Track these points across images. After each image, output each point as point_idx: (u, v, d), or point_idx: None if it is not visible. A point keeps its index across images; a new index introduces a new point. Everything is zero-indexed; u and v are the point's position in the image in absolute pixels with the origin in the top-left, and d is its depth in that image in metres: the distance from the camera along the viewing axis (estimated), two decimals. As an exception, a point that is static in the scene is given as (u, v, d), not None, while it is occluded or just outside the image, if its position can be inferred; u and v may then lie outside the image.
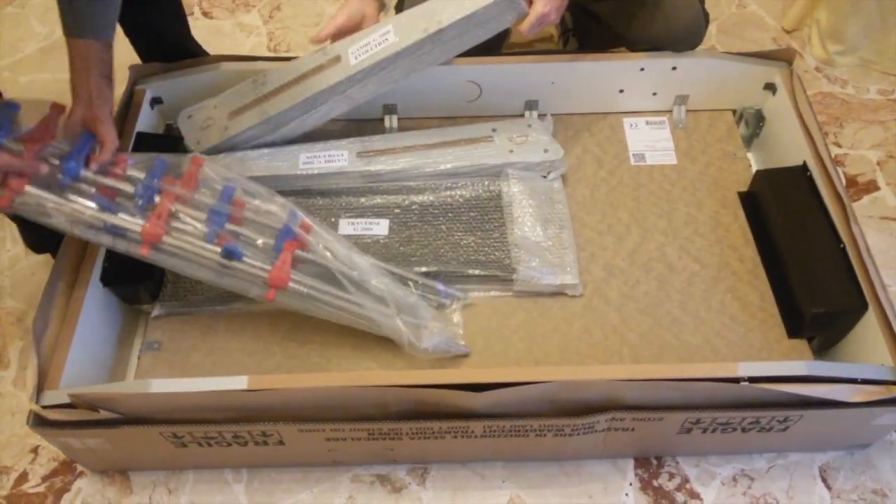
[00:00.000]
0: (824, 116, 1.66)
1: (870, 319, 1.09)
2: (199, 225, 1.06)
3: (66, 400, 0.98)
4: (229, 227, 1.07)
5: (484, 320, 1.21)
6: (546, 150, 1.35)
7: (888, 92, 1.72)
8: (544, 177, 1.35)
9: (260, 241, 1.08)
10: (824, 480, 1.15)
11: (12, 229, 1.31)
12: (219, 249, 1.04)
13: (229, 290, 1.10)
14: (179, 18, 1.49)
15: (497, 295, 1.24)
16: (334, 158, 1.33)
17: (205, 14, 1.92)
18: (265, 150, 1.33)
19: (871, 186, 1.53)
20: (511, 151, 1.34)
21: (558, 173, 1.36)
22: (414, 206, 1.31)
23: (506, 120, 1.42)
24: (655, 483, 1.15)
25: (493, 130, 1.38)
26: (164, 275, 1.23)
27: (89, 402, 0.98)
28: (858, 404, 0.99)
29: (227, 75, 1.38)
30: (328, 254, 1.10)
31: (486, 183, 1.34)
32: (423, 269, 1.22)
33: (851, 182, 1.54)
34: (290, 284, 1.06)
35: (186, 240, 1.04)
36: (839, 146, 1.61)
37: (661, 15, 1.34)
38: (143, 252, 1.04)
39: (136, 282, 1.19)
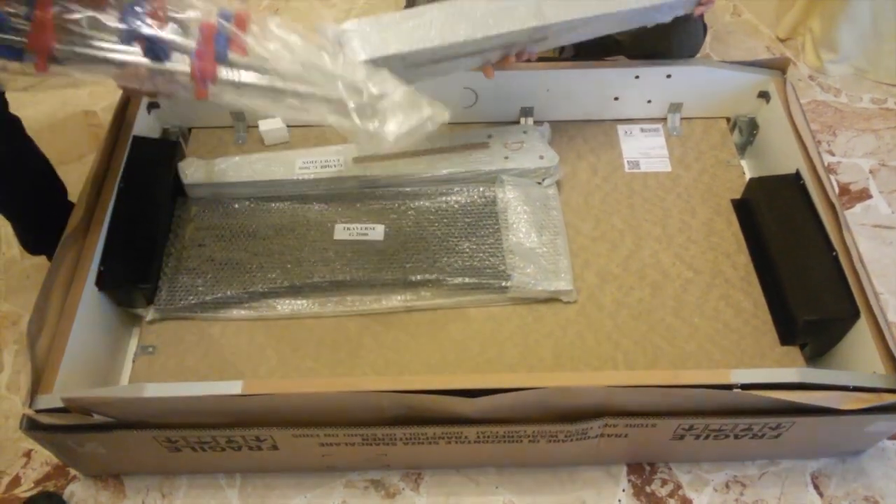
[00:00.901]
0: (817, 125, 1.67)
1: (862, 327, 1.10)
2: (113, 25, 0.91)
3: (60, 404, 0.98)
4: (148, 28, 0.92)
5: (479, 326, 1.22)
6: (541, 157, 1.35)
7: (881, 101, 1.73)
8: (539, 183, 1.36)
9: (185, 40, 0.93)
10: (816, 487, 1.16)
11: (7, 231, 1.31)
12: (139, 50, 0.92)
13: (225, 292, 1.10)
14: None
15: (491, 300, 1.24)
16: (330, 163, 1.34)
17: None
18: (261, 155, 1.33)
19: (864, 194, 1.54)
20: (506, 158, 1.35)
21: (553, 180, 1.36)
22: (409, 212, 1.32)
23: (502, 126, 1.43)
24: (648, 489, 1.15)
25: (489, 137, 1.39)
26: (160, 278, 1.23)
27: (83, 407, 0.98)
28: (850, 412, 1.00)
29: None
30: (271, 51, 0.94)
31: (482, 189, 1.35)
32: (418, 276, 1.23)
33: (844, 190, 1.55)
34: (222, 74, 0.93)
35: (94, 44, 0.90)
36: (832, 154, 1.62)
37: (661, 25, 1.35)
38: (38, 68, 0.89)
39: (132, 285, 1.19)
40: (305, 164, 1.33)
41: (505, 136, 1.39)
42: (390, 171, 1.33)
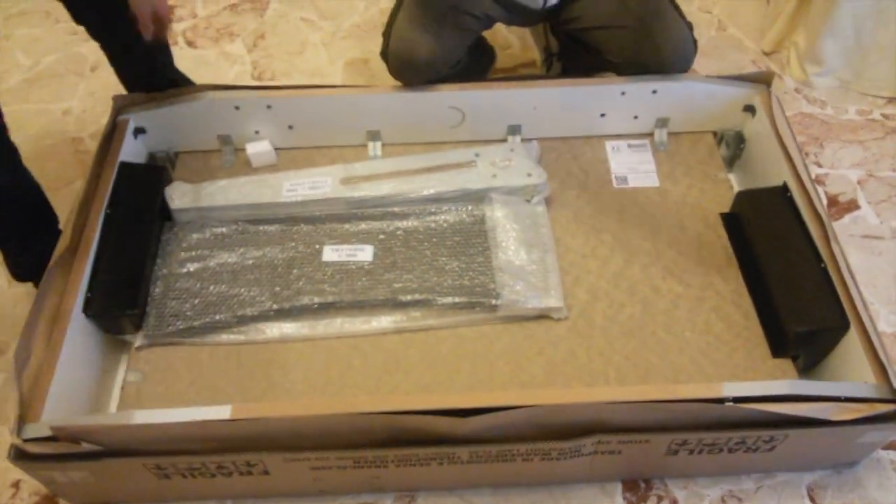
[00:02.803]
0: (804, 137, 1.68)
1: (852, 338, 1.10)
2: None
3: (49, 433, 0.97)
4: None
5: (469, 345, 1.21)
6: (529, 175, 1.35)
7: (867, 112, 1.74)
8: (528, 201, 1.36)
9: None
10: (812, 499, 1.15)
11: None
12: None
13: (214, 317, 1.10)
14: (164, 49, 1.50)
15: (482, 319, 1.23)
16: (318, 185, 1.34)
17: (189, 43, 1.93)
18: (248, 178, 1.33)
19: (852, 205, 1.55)
20: (494, 176, 1.35)
21: (541, 197, 1.36)
22: (398, 232, 1.32)
23: (489, 146, 1.43)
24: (644, 506, 1.15)
25: (476, 155, 1.39)
26: (148, 304, 1.23)
27: (72, 435, 0.97)
28: (843, 422, 0.99)
29: (210, 105, 1.39)
30: None
31: (470, 208, 1.35)
32: (407, 297, 1.22)
33: (832, 201, 1.55)
34: None
35: None
36: (819, 166, 1.63)
37: (652, 42, 1.37)
38: None
39: (119, 312, 1.18)
40: (293, 187, 1.33)
41: (493, 155, 1.39)
42: (378, 192, 1.33)
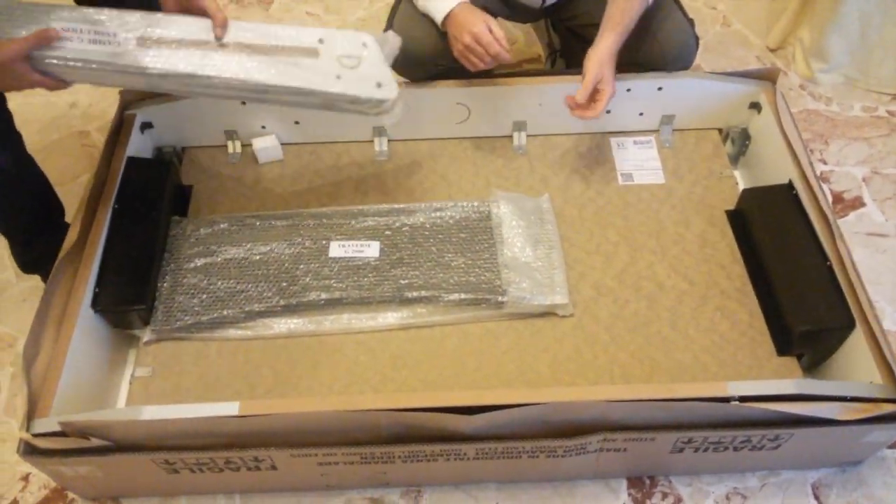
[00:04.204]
0: (809, 134, 1.68)
1: (857, 336, 1.10)
2: None
3: (57, 428, 0.98)
4: None
5: (475, 341, 1.22)
6: (379, 85, 1.12)
7: (872, 109, 1.74)
8: (368, 114, 1.15)
9: None
10: (817, 498, 1.16)
11: (1, 254, 1.31)
12: None
13: (221, 312, 1.10)
14: None
15: (487, 316, 1.24)
16: (103, 38, 1.04)
17: (195, 37, 1.92)
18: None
19: (857, 203, 1.55)
20: (338, 77, 1.10)
21: (391, 119, 1.16)
22: (404, 228, 1.32)
23: (337, 32, 1.14)
24: (648, 503, 1.15)
25: (321, 42, 1.11)
26: (156, 299, 1.23)
27: (80, 430, 0.97)
28: (848, 422, 1.00)
29: (215, 101, 1.39)
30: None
31: (476, 204, 1.35)
32: (413, 293, 1.23)
33: (837, 198, 1.56)
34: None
35: None
36: (825, 163, 1.63)
37: (653, 38, 1.36)
38: None
39: (127, 307, 1.19)
40: (66, 34, 1.03)
41: (340, 47, 1.11)
42: (176, 66, 1.05)
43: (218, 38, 1.07)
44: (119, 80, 1.10)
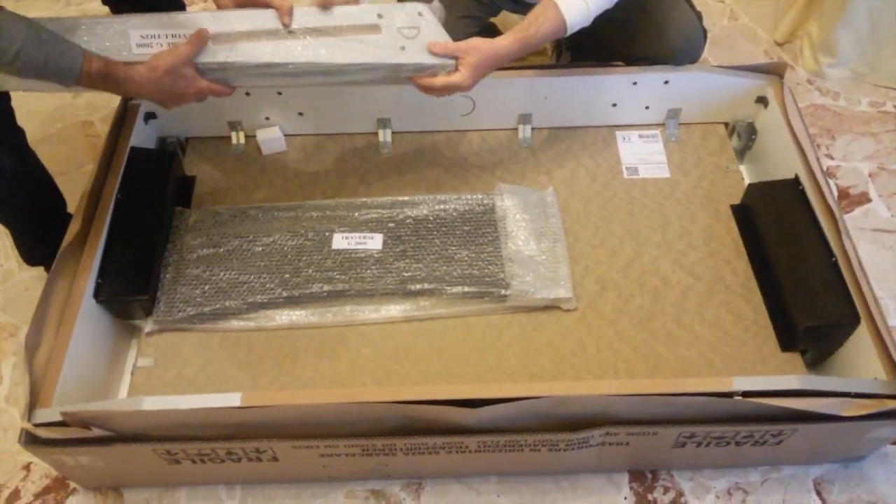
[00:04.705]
0: (816, 128, 1.67)
1: (862, 332, 1.10)
2: None
3: (59, 418, 0.98)
4: None
5: (478, 335, 1.22)
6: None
7: (879, 104, 1.73)
8: (433, 74, 1.17)
9: None
10: (819, 493, 1.15)
11: (5, 243, 1.31)
12: None
13: (224, 303, 1.10)
14: None
15: (491, 309, 1.24)
16: (180, 41, 1.06)
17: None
18: (89, 20, 1.08)
19: (863, 198, 1.54)
20: (403, 48, 1.14)
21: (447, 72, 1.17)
22: (408, 221, 1.32)
23: (393, 6, 1.17)
24: (650, 497, 1.15)
25: (380, 17, 1.15)
26: (158, 290, 1.23)
27: (82, 420, 0.97)
28: (852, 418, 0.99)
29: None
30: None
31: (480, 197, 1.34)
32: (416, 286, 1.22)
33: (843, 194, 1.55)
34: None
35: None
36: (831, 158, 1.62)
37: (661, 33, 1.35)
38: None
39: (130, 297, 1.18)
40: (145, 41, 1.06)
41: (397, 19, 1.16)
42: (255, 58, 1.09)
43: (286, 26, 1.09)
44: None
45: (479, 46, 1.15)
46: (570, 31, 1.20)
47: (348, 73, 1.14)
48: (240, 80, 1.12)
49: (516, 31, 1.18)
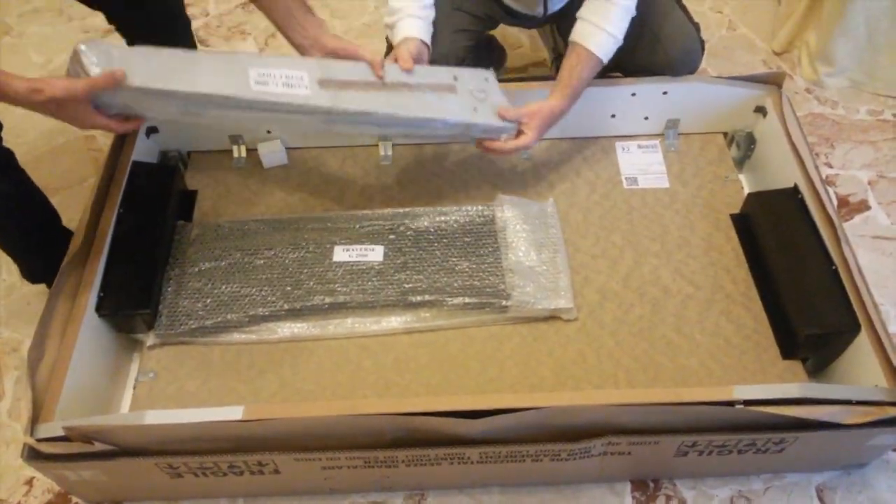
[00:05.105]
0: (815, 137, 1.68)
1: (863, 340, 1.10)
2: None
3: (61, 432, 0.98)
4: None
5: (479, 345, 1.22)
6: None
7: (878, 112, 1.74)
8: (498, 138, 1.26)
9: None
10: (821, 500, 1.15)
11: (7, 258, 1.32)
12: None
13: (226, 317, 1.11)
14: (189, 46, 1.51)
15: (492, 320, 1.24)
16: (294, 82, 1.09)
17: (201, 42, 1.93)
18: (206, 56, 1.10)
19: (863, 206, 1.55)
20: (475, 109, 1.22)
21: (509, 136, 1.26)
22: (409, 233, 1.32)
23: (465, 69, 1.28)
24: (653, 507, 1.15)
25: (455, 79, 1.25)
26: (160, 304, 1.23)
27: (84, 435, 0.97)
28: (853, 426, 0.99)
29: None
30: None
31: (480, 208, 1.35)
32: (417, 298, 1.23)
33: (843, 202, 1.55)
34: None
35: None
36: (830, 166, 1.62)
37: (659, 44, 1.37)
38: None
39: (132, 311, 1.19)
40: (262, 78, 1.07)
41: (470, 82, 1.26)
42: (361, 106, 1.13)
43: (380, 79, 1.16)
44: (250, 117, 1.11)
45: (539, 111, 1.25)
46: (606, 62, 1.28)
47: (426, 127, 1.20)
48: (332, 126, 1.16)
49: (562, 88, 1.27)
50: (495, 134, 1.25)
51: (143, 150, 1.38)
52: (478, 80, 1.28)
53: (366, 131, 1.17)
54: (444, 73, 1.25)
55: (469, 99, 1.23)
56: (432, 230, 1.32)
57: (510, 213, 1.33)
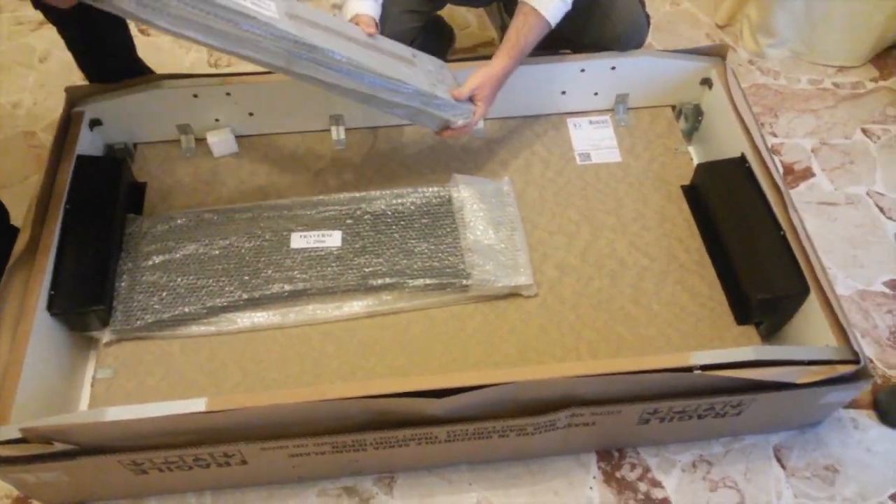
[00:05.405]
0: (759, 107, 1.72)
1: (812, 303, 1.13)
2: None
3: (19, 435, 0.96)
4: None
5: (442, 326, 1.22)
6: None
7: (818, 81, 1.78)
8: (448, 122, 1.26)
9: None
10: (779, 460, 1.19)
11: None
12: None
13: (183, 309, 1.08)
14: (129, 41, 1.47)
15: (453, 300, 1.24)
16: (263, 4, 1.05)
17: (142, 31, 1.88)
18: None
19: (807, 173, 1.59)
20: (434, 86, 1.22)
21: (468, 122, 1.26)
22: (366, 216, 1.31)
23: (419, 52, 1.29)
24: (618, 475, 1.17)
25: (414, 56, 1.27)
26: (114, 299, 1.21)
27: (43, 436, 0.95)
28: (806, 385, 1.03)
29: (167, 93, 1.36)
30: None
31: (437, 189, 1.35)
32: (378, 281, 1.22)
33: (788, 170, 1.59)
34: None
35: None
36: (775, 136, 1.66)
37: (606, 19, 1.38)
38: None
39: (85, 308, 1.16)
40: None
41: (427, 63, 1.28)
42: (328, 44, 1.10)
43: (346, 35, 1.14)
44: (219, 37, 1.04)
45: (486, 80, 1.24)
46: (553, 25, 1.27)
47: (388, 90, 1.17)
48: (293, 65, 1.10)
49: (507, 49, 1.26)
50: (451, 114, 1.24)
51: (88, 144, 1.34)
52: (435, 64, 1.28)
53: (327, 80, 1.12)
54: (404, 49, 1.25)
55: (427, 77, 1.23)
56: (390, 213, 1.32)
57: (466, 193, 1.34)
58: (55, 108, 1.66)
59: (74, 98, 1.35)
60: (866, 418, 1.23)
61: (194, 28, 1.01)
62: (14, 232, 1.21)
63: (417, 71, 1.22)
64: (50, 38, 1.82)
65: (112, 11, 0.97)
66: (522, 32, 1.25)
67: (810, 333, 1.14)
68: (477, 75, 1.24)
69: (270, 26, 1.04)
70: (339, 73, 1.13)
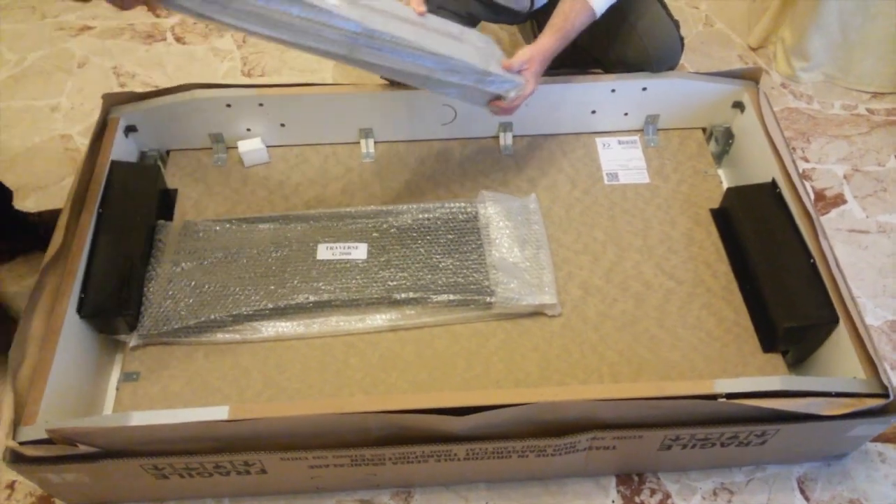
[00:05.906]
0: (791, 132, 1.70)
1: (841, 332, 1.12)
2: None
3: (44, 435, 0.97)
4: None
5: (464, 342, 1.22)
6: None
7: (852, 107, 1.76)
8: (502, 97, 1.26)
9: None
10: (802, 492, 1.17)
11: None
12: None
13: (209, 316, 1.09)
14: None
15: (476, 316, 1.24)
16: None
17: (178, 39, 1.92)
18: None
19: (839, 200, 1.57)
20: (487, 62, 1.21)
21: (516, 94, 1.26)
22: (392, 230, 1.32)
23: (469, 29, 1.26)
24: (637, 499, 1.16)
25: (461, 33, 1.23)
26: (142, 304, 1.22)
27: (67, 437, 0.97)
28: (833, 417, 1.01)
29: (201, 103, 1.38)
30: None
31: (463, 205, 1.35)
32: (402, 295, 1.23)
33: (819, 196, 1.57)
34: None
35: None
36: (807, 161, 1.64)
37: (639, 40, 1.38)
38: None
39: (113, 312, 1.18)
40: None
41: (475, 39, 1.24)
42: (392, 30, 1.10)
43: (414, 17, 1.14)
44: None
45: (534, 56, 1.25)
46: (598, 15, 1.29)
47: (447, 68, 1.16)
48: (355, 52, 1.10)
49: (553, 30, 1.27)
50: (504, 88, 1.24)
51: (122, 150, 1.36)
52: (483, 40, 1.26)
53: (387, 64, 1.12)
54: (452, 26, 1.23)
55: (479, 52, 1.21)
56: (416, 227, 1.32)
57: (493, 210, 1.34)
58: (91, 112, 1.70)
59: (110, 104, 1.38)
60: (894, 452, 1.21)
61: (257, 22, 1.02)
62: (16, 214, 1.19)
63: (469, 48, 1.21)
64: (89, 45, 1.86)
65: (176, 10, 0.98)
66: (570, 17, 1.27)
67: (838, 363, 1.13)
68: (525, 50, 1.25)
69: (333, 14, 1.04)
70: (399, 56, 1.12)
